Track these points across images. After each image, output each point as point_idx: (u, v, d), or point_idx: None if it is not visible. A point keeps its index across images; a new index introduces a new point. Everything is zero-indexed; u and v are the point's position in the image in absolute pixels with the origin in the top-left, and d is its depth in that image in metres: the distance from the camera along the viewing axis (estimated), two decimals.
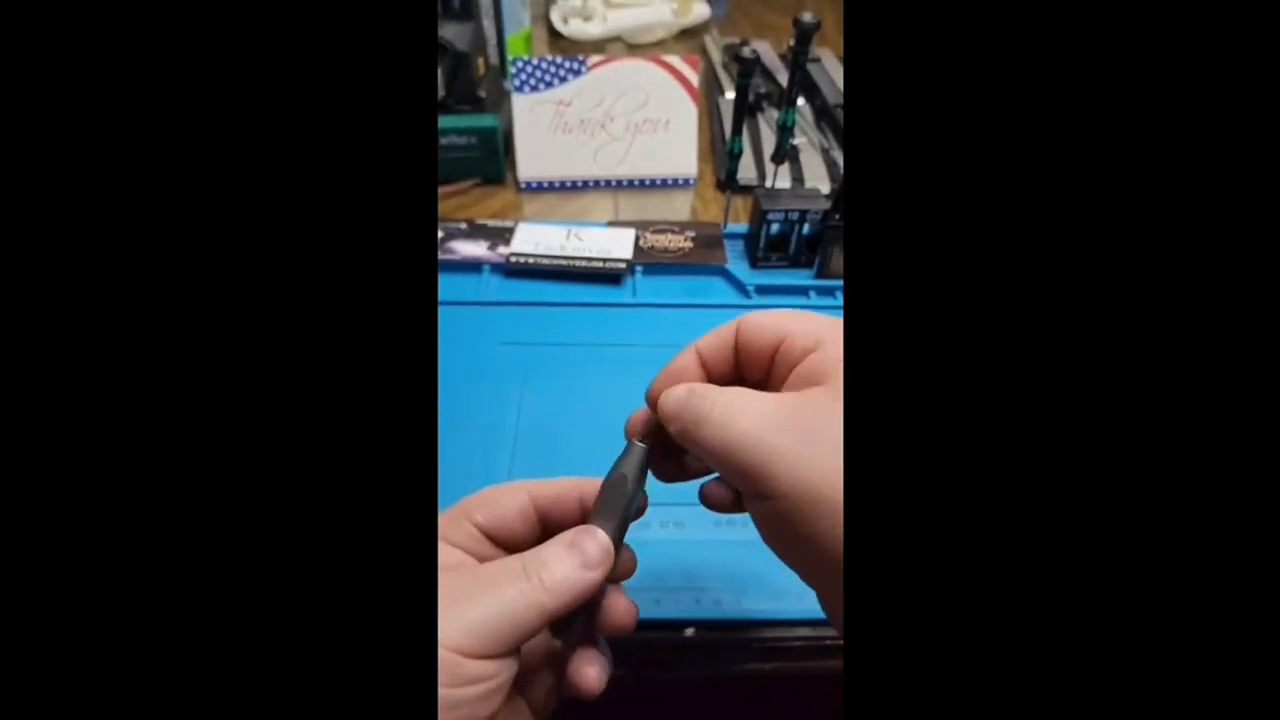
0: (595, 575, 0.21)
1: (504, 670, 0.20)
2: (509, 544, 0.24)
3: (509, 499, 0.24)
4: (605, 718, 0.36)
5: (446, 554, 0.23)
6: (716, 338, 0.23)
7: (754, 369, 0.23)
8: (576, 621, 0.23)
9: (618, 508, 0.23)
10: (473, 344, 0.46)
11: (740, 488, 0.21)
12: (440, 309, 0.48)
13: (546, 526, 0.25)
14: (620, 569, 0.24)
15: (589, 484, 0.24)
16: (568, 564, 0.21)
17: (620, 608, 0.23)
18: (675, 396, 0.22)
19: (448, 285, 0.50)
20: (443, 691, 0.18)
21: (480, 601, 0.20)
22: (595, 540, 0.22)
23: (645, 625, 0.31)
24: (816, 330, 0.21)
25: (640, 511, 0.24)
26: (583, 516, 0.24)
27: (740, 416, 0.20)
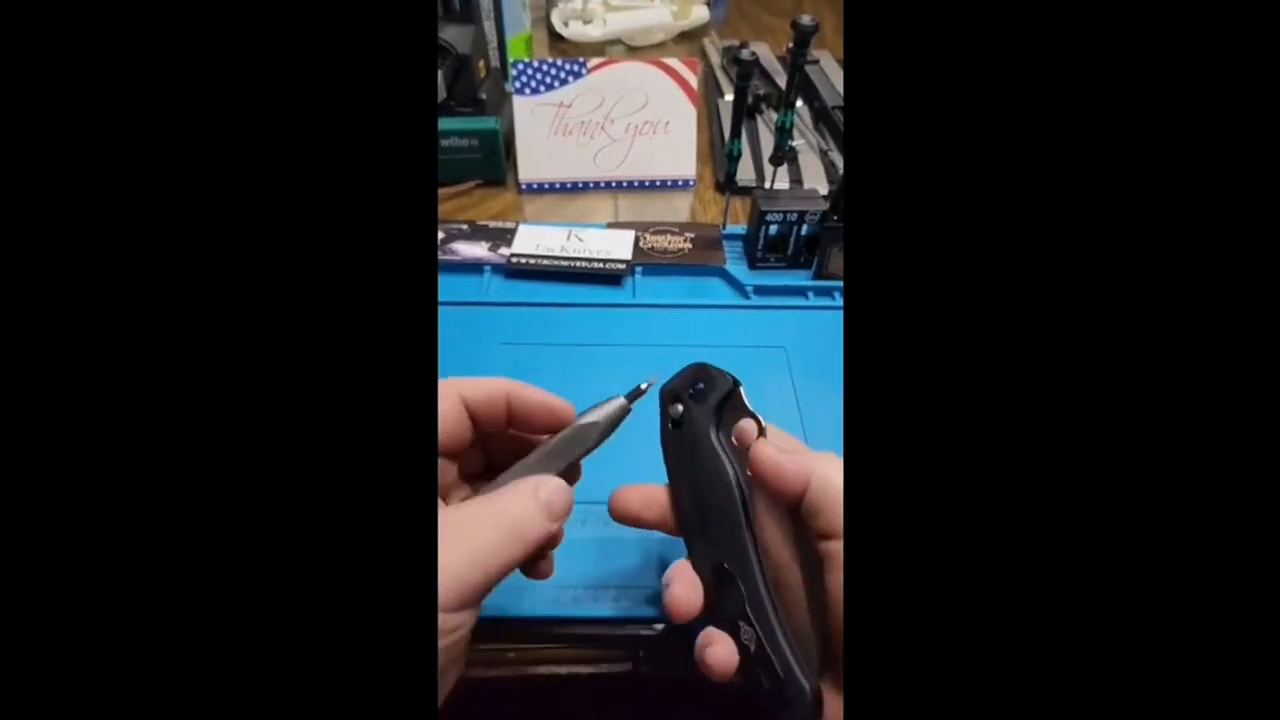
0: (558, 527, 0.22)
1: (469, 620, 0.20)
2: (442, 447, 0.24)
3: (441, 403, 0.24)
4: (604, 715, 0.37)
5: None
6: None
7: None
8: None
9: (573, 455, 0.23)
10: (475, 344, 0.46)
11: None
12: (442, 309, 0.48)
13: (476, 426, 0.25)
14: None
15: (516, 386, 0.25)
16: (536, 518, 0.21)
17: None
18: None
19: (450, 286, 0.50)
20: None
21: (451, 554, 0.19)
22: (560, 491, 0.22)
23: (643, 621, 0.32)
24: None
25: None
26: (511, 419, 0.25)
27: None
